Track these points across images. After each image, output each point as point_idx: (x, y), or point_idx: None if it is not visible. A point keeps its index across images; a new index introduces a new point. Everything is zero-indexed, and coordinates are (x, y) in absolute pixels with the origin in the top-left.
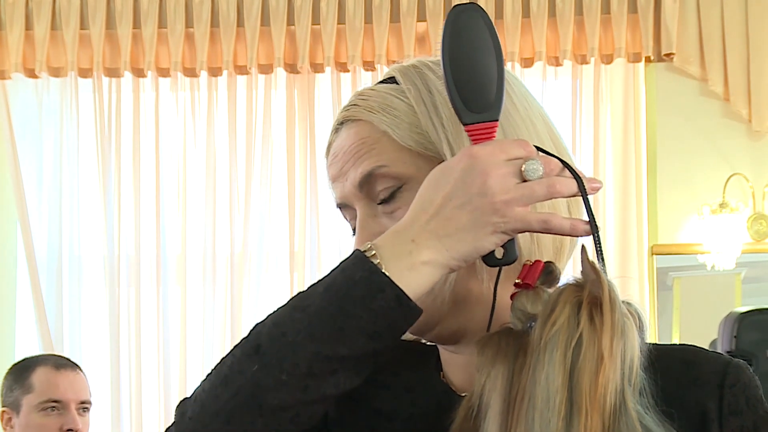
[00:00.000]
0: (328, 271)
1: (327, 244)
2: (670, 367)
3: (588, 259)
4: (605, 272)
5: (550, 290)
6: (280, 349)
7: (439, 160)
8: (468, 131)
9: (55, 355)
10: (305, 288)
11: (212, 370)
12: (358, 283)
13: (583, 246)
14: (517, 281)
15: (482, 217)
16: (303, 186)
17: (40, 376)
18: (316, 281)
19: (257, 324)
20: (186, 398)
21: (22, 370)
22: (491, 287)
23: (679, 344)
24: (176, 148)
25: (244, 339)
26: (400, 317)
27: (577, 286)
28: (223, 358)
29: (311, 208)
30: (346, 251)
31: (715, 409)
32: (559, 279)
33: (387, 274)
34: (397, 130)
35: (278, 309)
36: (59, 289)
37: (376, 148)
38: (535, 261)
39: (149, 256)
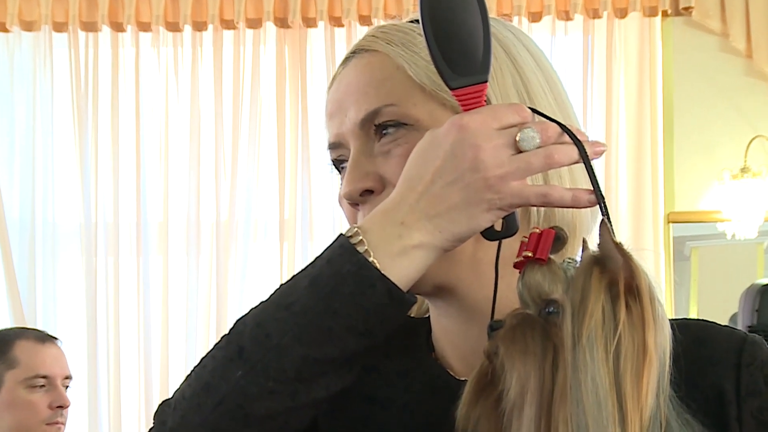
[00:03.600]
0: (313, 259)
1: (319, 211)
2: (684, 345)
3: (613, 238)
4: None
5: (564, 263)
6: (266, 353)
7: (454, 109)
8: (456, 96)
9: (32, 329)
10: (289, 278)
11: (192, 372)
12: (346, 278)
13: (603, 221)
14: (527, 254)
15: (475, 195)
16: (294, 149)
17: (24, 350)
18: (299, 271)
19: (238, 321)
20: (166, 401)
21: (1, 343)
22: (481, 249)
23: (692, 319)
24: (158, 108)
25: (224, 338)
26: (392, 312)
27: (600, 265)
28: (202, 360)
29: (303, 173)
30: (341, 219)
31: (732, 390)
32: (566, 243)
33: (376, 265)
34: (414, 66)
35: (260, 305)
36: (32, 258)
37: (387, 85)
38: (544, 230)
39: (129, 223)
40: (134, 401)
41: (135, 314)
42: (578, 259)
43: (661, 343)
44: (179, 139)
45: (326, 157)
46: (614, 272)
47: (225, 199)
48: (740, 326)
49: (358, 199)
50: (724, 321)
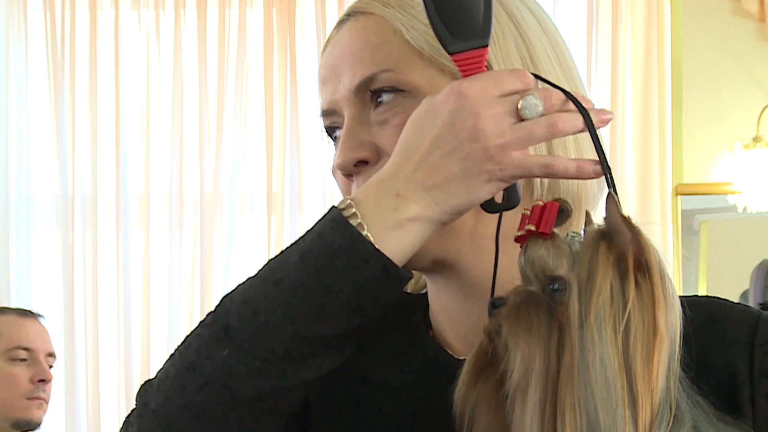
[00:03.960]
0: (303, 233)
1: (309, 183)
2: (695, 324)
3: (621, 211)
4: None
5: (568, 238)
6: (253, 331)
7: (453, 75)
8: (455, 61)
9: (14, 308)
10: (279, 252)
11: (176, 351)
12: (338, 252)
13: (609, 193)
14: (529, 227)
15: (475, 165)
16: (282, 117)
17: (5, 323)
18: (289, 245)
19: (224, 298)
20: (149, 381)
21: None
22: (481, 222)
23: (702, 296)
24: (138, 74)
25: (210, 315)
26: (387, 288)
27: (607, 240)
28: (187, 338)
29: (292, 143)
30: (332, 191)
31: (746, 371)
32: (570, 216)
33: (370, 239)
34: (411, 29)
35: (248, 281)
36: (5, 232)
37: (384, 50)
38: (548, 202)
39: (107, 195)
40: (113, 381)
41: (114, 291)
42: (582, 233)
43: (672, 322)
44: (161, 106)
45: (318, 125)
46: (622, 247)
47: (209, 170)
48: (751, 303)
49: (352, 169)
50: (734, 298)
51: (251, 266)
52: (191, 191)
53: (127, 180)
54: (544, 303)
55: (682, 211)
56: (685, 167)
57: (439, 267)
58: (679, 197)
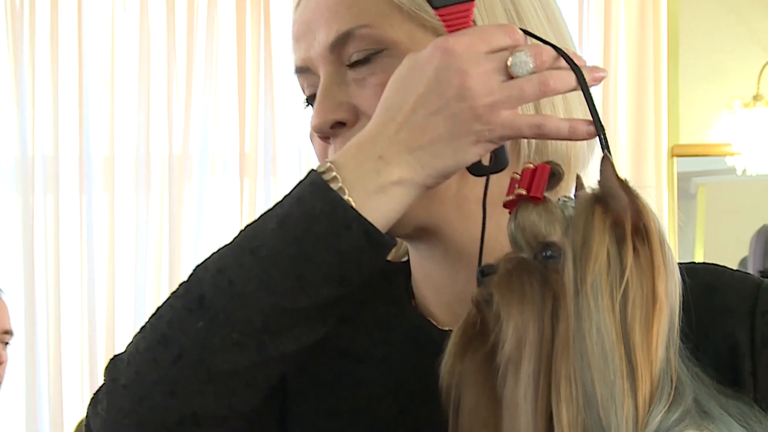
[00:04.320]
0: (282, 198)
1: (284, 144)
2: (693, 292)
3: (616, 173)
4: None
5: (560, 202)
6: (229, 301)
7: (435, 31)
8: (439, 16)
9: None
10: (254, 219)
11: (147, 323)
12: (318, 218)
13: (605, 155)
14: (519, 191)
15: (462, 126)
16: (255, 75)
17: None
18: (266, 211)
19: (197, 267)
20: (118, 356)
21: None
22: (467, 186)
23: (700, 263)
24: (103, 29)
25: (183, 285)
26: (370, 256)
27: (602, 204)
28: (158, 310)
29: (266, 102)
30: (308, 153)
31: (747, 342)
32: (561, 180)
33: (352, 204)
34: None
35: (222, 249)
36: None
37: (360, 4)
38: (539, 165)
39: (70, 156)
40: (77, 356)
41: (77, 258)
42: (574, 197)
43: (672, 291)
44: (127, 62)
45: (294, 83)
46: (618, 212)
47: (178, 131)
48: (751, 270)
49: (329, 132)
50: (733, 265)
51: (223, 232)
52: (159, 153)
53: (90, 141)
54: (537, 270)
55: (678, 173)
56: (681, 127)
57: (422, 233)
58: (675, 159)
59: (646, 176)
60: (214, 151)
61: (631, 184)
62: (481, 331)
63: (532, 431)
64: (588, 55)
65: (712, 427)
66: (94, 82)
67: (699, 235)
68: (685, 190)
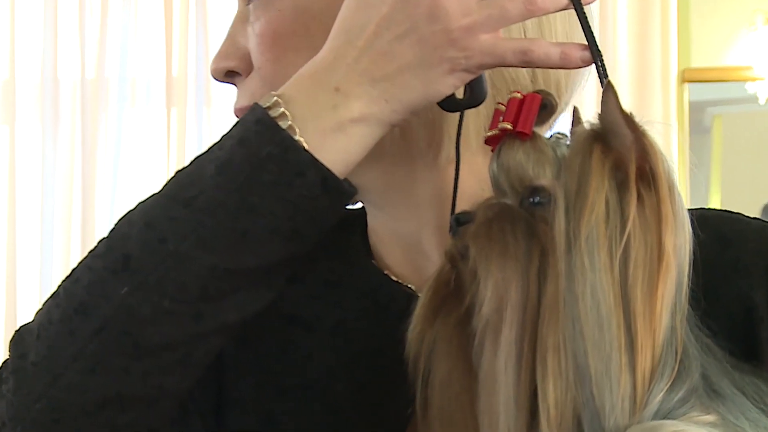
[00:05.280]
0: (219, 138)
1: None
2: (703, 246)
3: (620, 105)
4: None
5: (552, 139)
6: (159, 262)
7: None
8: None
9: None
10: (187, 164)
11: (60, 288)
12: (265, 163)
13: (608, 84)
14: (504, 125)
15: (434, 52)
16: None
17: None
18: (202, 154)
19: (122, 221)
20: (25, 327)
21: None
22: (434, 124)
23: (711, 210)
24: None
25: (103, 242)
26: (327, 207)
27: (602, 142)
28: (74, 272)
29: (197, 17)
30: None
31: (765, 304)
32: (554, 113)
33: (304, 145)
34: None
35: (151, 199)
36: None
37: None
38: (527, 95)
39: None
40: None
41: None
42: (569, 134)
43: (681, 246)
44: None
45: None
46: (621, 152)
47: (92, 51)
48: None
49: (226, 79)
50: (754, 212)
51: (146, 173)
52: (69, 77)
53: None
54: (522, 219)
55: (690, 102)
56: (693, 48)
57: (378, 185)
58: (685, 85)
59: (651, 106)
60: (135, 75)
61: (638, 118)
62: (455, 291)
63: (513, 409)
64: None
65: (721, 409)
66: None
67: (714, 177)
68: (697, 123)
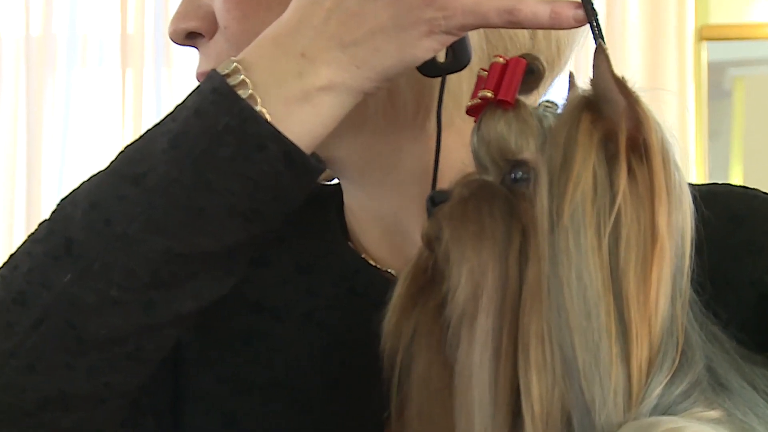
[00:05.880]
0: (173, 108)
1: None
2: (712, 226)
3: (611, 70)
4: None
5: (540, 109)
6: (106, 247)
7: None
8: None
9: None
10: (138, 137)
11: None
12: (223, 136)
13: (598, 46)
14: (485, 93)
15: (410, 13)
16: None
17: None
18: (153, 127)
19: (64, 201)
20: None
21: None
22: (411, 93)
23: (722, 185)
24: None
25: (44, 225)
26: (291, 184)
27: (592, 111)
28: (12, 258)
29: None
30: None
31: None
32: (542, 79)
33: (266, 116)
34: None
35: (96, 176)
36: None
37: None
38: (511, 59)
39: None
40: None
41: None
42: (562, 103)
43: (679, 224)
44: None
45: None
46: (612, 121)
47: (37, 5)
48: None
49: (186, 42)
50: None
51: (98, 142)
52: (12, 35)
53: None
54: (501, 197)
55: (709, 63)
56: (711, 2)
57: (349, 162)
58: (703, 44)
59: (665, 67)
60: (86, 32)
61: (633, 83)
62: (432, 278)
63: (490, 406)
64: None
65: (728, 404)
66: None
67: (735, 145)
68: (717, 85)
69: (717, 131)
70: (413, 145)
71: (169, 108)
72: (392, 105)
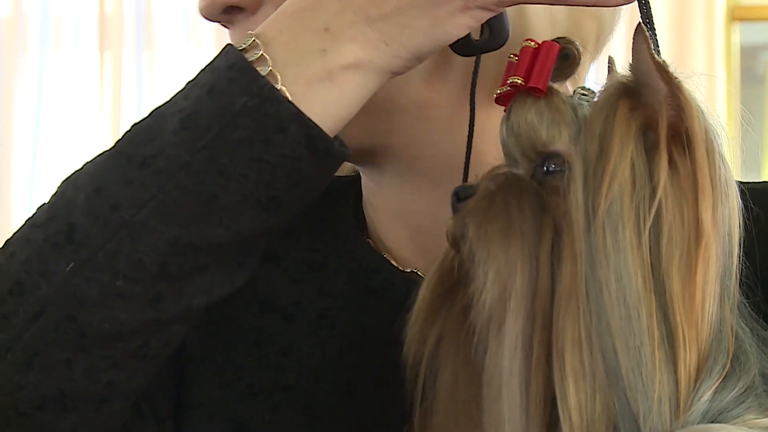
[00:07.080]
0: (184, 85)
1: (164, 3)
2: (756, 225)
3: (652, 53)
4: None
5: (575, 97)
6: (111, 234)
7: None
8: None
9: None
10: (145, 116)
11: None
12: (239, 117)
13: (639, 25)
14: (515, 80)
15: None
16: None
17: None
18: (162, 104)
19: (65, 183)
20: None
21: None
22: (419, 85)
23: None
24: None
25: (43, 209)
26: (313, 170)
27: (630, 98)
28: (8, 243)
29: None
30: (199, 16)
31: None
32: (577, 65)
33: (287, 96)
34: None
35: (100, 157)
36: None
37: None
38: (544, 43)
39: None
40: None
41: None
42: (598, 90)
43: (725, 220)
44: None
45: None
46: (652, 110)
47: None
48: None
49: (221, 17)
50: None
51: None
52: None
53: None
54: (530, 191)
55: (741, 47)
56: None
57: (366, 156)
58: (735, 25)
59: (692, 51)
60: (60, 12)
61: (674, 68)
62: (459, 279)
63: (522, 417)
64: None
65: None
66: None
67: None
68: (749, 71)
69: (749, 121)
70: (450, 134)
71: (149, 93)
72: (429, 84)
